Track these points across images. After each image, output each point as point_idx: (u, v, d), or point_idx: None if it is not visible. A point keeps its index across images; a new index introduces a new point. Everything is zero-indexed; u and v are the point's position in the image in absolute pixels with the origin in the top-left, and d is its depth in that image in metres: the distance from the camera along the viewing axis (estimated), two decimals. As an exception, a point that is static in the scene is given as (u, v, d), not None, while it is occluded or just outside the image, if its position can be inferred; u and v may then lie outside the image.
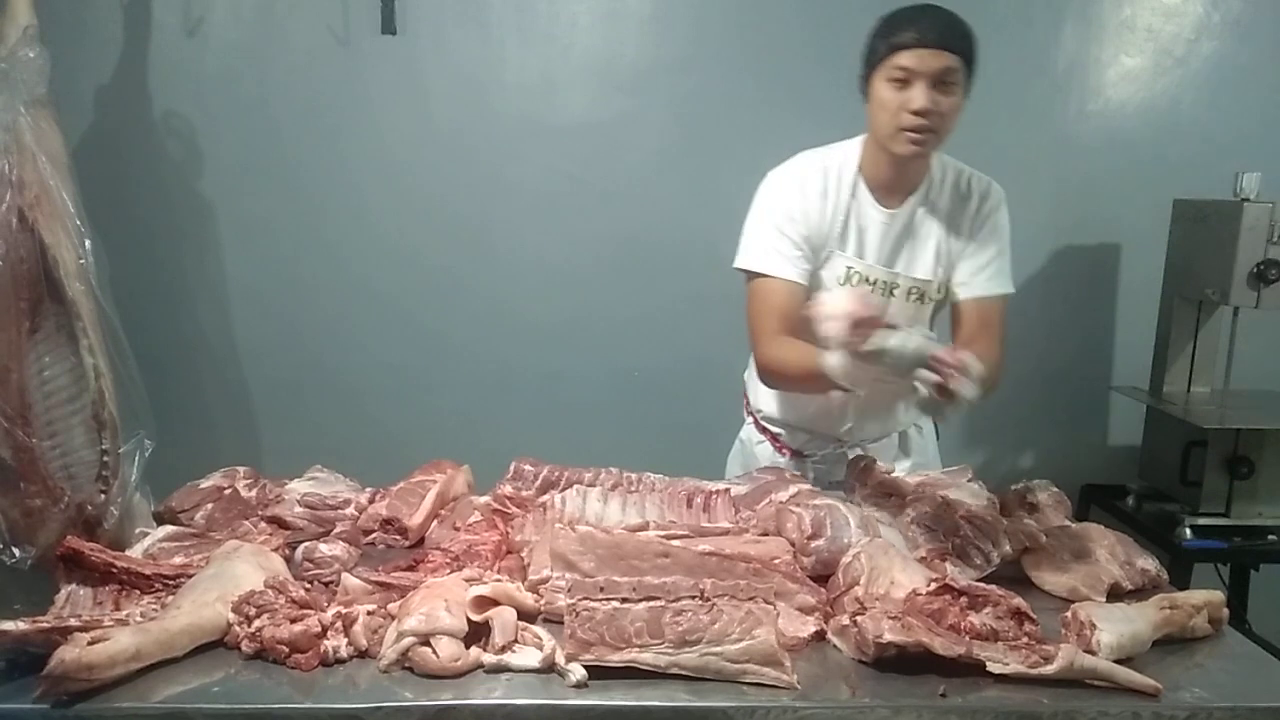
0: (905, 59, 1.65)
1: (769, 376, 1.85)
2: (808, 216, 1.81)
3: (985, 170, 1.91)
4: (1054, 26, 2.76)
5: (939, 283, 1.86)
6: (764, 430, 2.10)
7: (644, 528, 1.60)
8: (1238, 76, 2.75)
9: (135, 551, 1.54)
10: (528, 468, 1.81)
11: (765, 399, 2.07)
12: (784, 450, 2.06)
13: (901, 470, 1.92)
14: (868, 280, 1.84)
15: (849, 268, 1.84)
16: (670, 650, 1.22)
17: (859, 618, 1.29)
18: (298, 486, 1.79)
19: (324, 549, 1.52)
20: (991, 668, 1.23)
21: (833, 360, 1.47)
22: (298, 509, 1.72)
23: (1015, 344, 2.86)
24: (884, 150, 1.75)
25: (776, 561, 1.48)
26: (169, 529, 1.64)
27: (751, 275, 1.84)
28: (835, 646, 1.33)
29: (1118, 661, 1.26)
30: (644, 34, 2.74)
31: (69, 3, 2.62)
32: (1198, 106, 2.77)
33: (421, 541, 1.68)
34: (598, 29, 2.74)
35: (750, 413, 2.14)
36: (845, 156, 1.85)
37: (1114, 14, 2.75)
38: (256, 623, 1.27)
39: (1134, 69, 2.78)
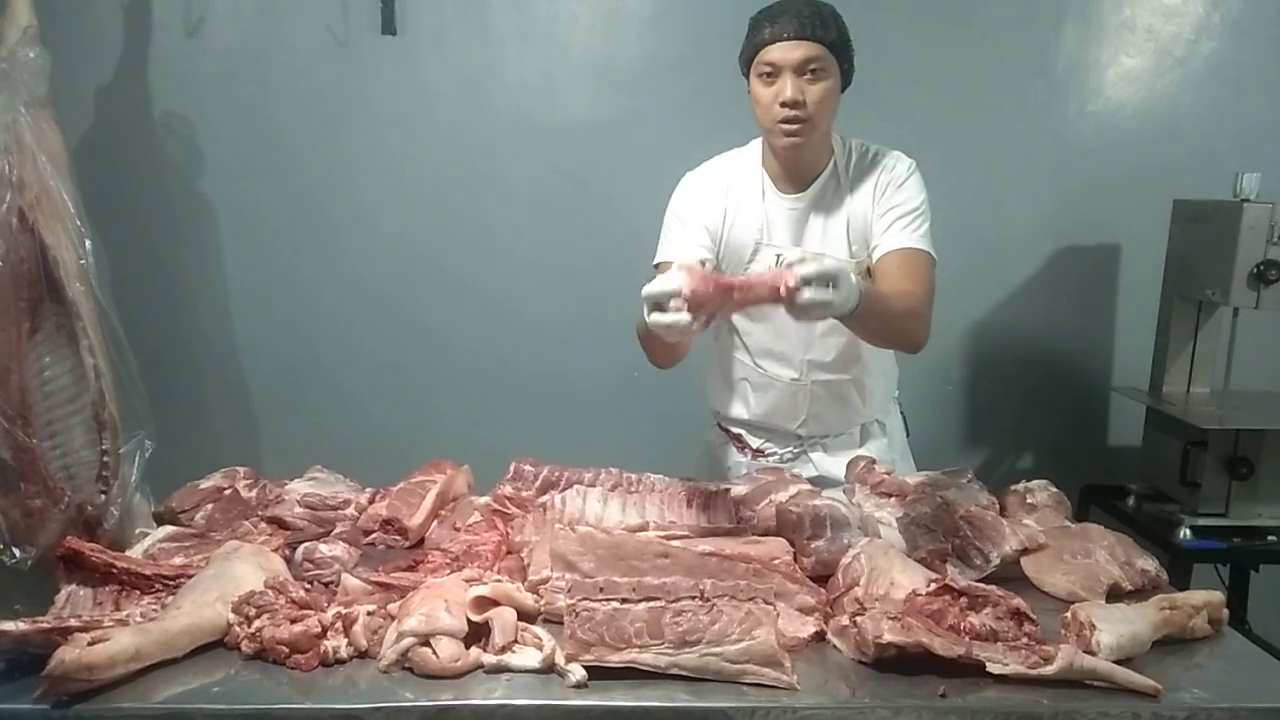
0: (769, 53, 1.73)
1: (646, 354, 1.84)
2: (715, 209, 1.88)
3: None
4: (1054, 26, 2.76)
5: (861, 263, 1.86)
6: (724, 430, 2.11)
7: (644, 528, 1.60)
8: (1238, 76, 2.75)
9: (135, 552, 1.54)
10: (528, 468, 1.81)
11: (722, 400, 2.09)
12: (745, 450, 2.07)
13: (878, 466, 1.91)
14: (789, 265, 1.85)
15: (778, 255, 1.87)
16: (670, 651, 1.22)
17: (858, 618, 1.29)
18: (298, 487, 1.79)
19: (324, 549, 1.52)
20: (991, 668, 1.23)
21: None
22: (298, 509, 1.72)
23: (1015, 344, 2.90)
24: (770, 144, 1.84)
25: (776, 562, 1.48)
26: (169, 529, 1.64)
27: (656, 268, 1.90)
28: (835, 647, 1.33)
29: (1118, 662, 1.26)
30: (644, 34, 2.74)
31: (69, 3, 2.62)
32: (1198, 106, 2.77)
33: (421, 542, 1.68)
34: (597, 29, 2.74)
35: (711, 414, 2.15)
36: (751, 154, 1.93)
37: (1114, 14, 2.75)
38: (256, 623, 1.27)
39: (1134, 69, 2.78)
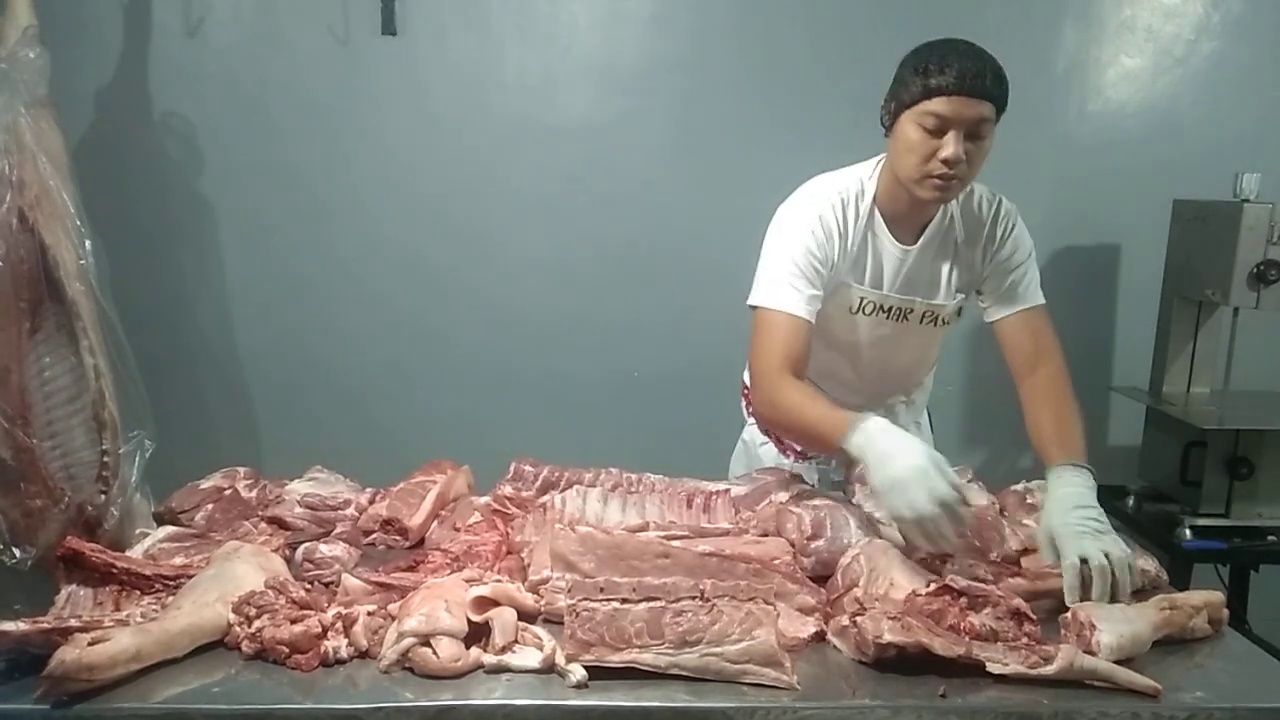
0: (940, 105, 1.58)
1: (767, 419, 1.81)
2: (827, 254, 1.73)
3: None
4: (1054, 26, 2.76)
5: (955, 306, 1.85)
6: (767, 432, 2.10)
7: (644, 528, 1.60)
8: (1238, 76, 2.76)
9: (135, 552, 1.54)
10: (528, 468, 1.81)
11: None
12: (788, 452, 2.06)
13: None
14: (882, 309, 1.81)
15: (862, 298, 1.80)
16: (670, 651, 1.22)
17: (859, 618, 1.29)
18: (298, 487, 1.79)
19: (324, 549, 1.52)
20: (991, 668, 1.23)
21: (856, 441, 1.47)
22: (298, 509, 1.71)
23: (1015, 344, 2.89)
24: (905, 190, 1.69)
25: (776, 562, 1.48)
26: (169, 529, 1.63)
27: (758, 310, 1.75)
28: (835, 647, 1.32)
29: (1118, 662, 1.27)
30: (644, 35, 2.74)
31: (69, 3, 2.62)
32: (1198, 106, 2.77)
33: (422, 542, 1.68)
34: (598, 30, 2.74)
35: (749, 414, 2.14)
36: (860, 187, 1.77)
37: (1114, 14, 2.75)
38: (257, 623, 1.27)
39: (1134, 69, 2.78)
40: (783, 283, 1.71)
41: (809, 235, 1.72)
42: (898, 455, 1.41)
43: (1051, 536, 1.46)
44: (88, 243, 1.87)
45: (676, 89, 2.74)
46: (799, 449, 2.05)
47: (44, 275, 1.79)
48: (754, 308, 1.75)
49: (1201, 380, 2.58)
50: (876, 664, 1.26)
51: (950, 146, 1.58)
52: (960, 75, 1.56)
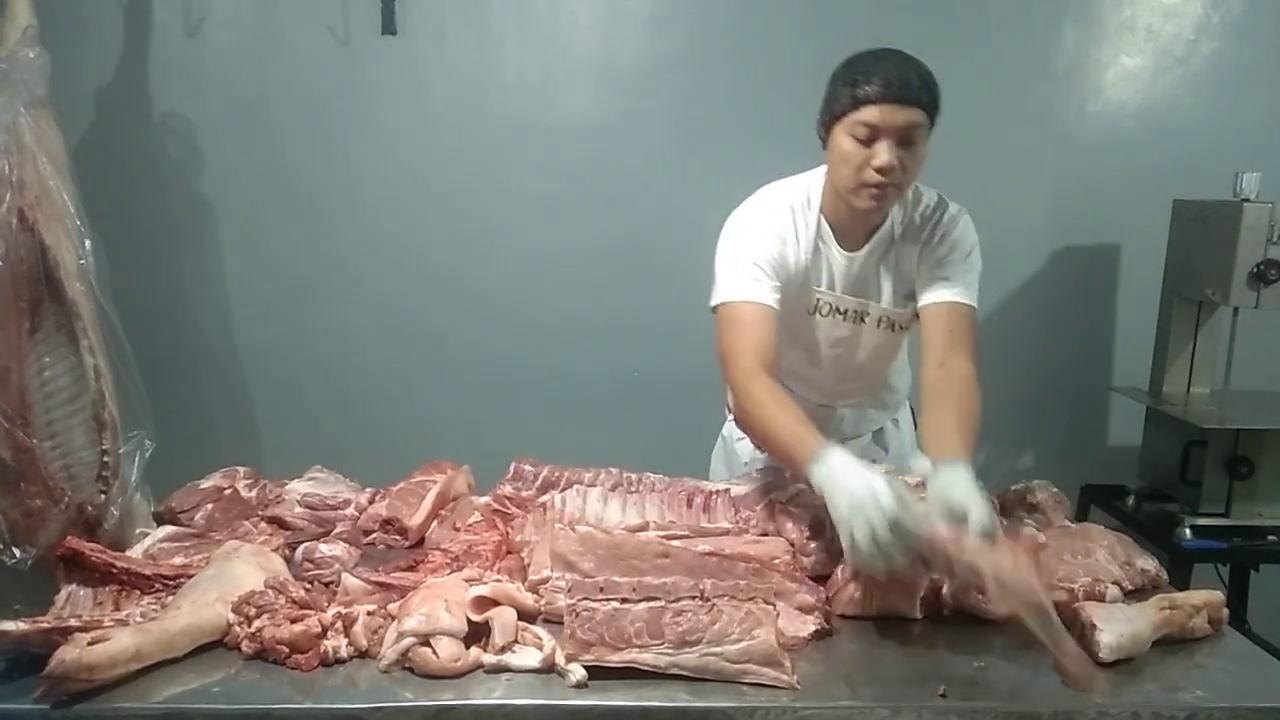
0: (870, 114, 1.58)
1: (741, 424, 1.80)
2: (782, 254, 1.75)
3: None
4: (1054, 26, 2.76)
5: (909, 313, 1.84)
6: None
7: (644, 528, 1.60)
8: (1238, 76, 2.75)
9: (135, 552, 1.54)
10: (528, 468, 1.81)
11: None
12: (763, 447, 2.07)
13: (881, 467, 1.92)
14: (839, 310, 1.83)
15: (817, 299, 1.82)
16: (670, 650, 1.22)
17: None
18: (298, 487, 1.79)
19: (324, 549, 1.52)
20: None
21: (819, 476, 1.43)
22: (298, 509, 1.71)
23: (1016, 344, 2.90)
24: (843, 200, 1.71)
25: (776, 561, 1.48)
26: (169, 529, 1.63)
27: (721, 306, 1.74)
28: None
29: (1118, 662, 1.27)
30: (644, 35, 2.74)
31: (69, 3, 2.62)
32: (1198, 106, 2.77)
33: (421, 542, 1.68)
34: (598, 30, 2.74)
35: (730, 410, 2.15)
36: (806, 196, 1.79)
37: (1114, 14, 2.75)
38: (256, 623, 1.27)
39: (1134, 69, 2.78)
40: (745, 278, 1.72)
41: (764, 238, 1.74)
42: (840, 491, 1.38)
43: (947, 501, 1.40)
44: (88, 243, 1.87)
45: (676, 89, 2.74)
46: None
47: (44, 275, 1.79)
48: (717, 308, 1.75)
49: (1201, 380, 2.58)
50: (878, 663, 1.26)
51: (883, 155, 1.59)
52: (887, 83, 1.57)
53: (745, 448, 2.09)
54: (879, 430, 2.08)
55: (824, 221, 1.78)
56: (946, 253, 1.78)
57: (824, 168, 1.77)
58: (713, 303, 1.76)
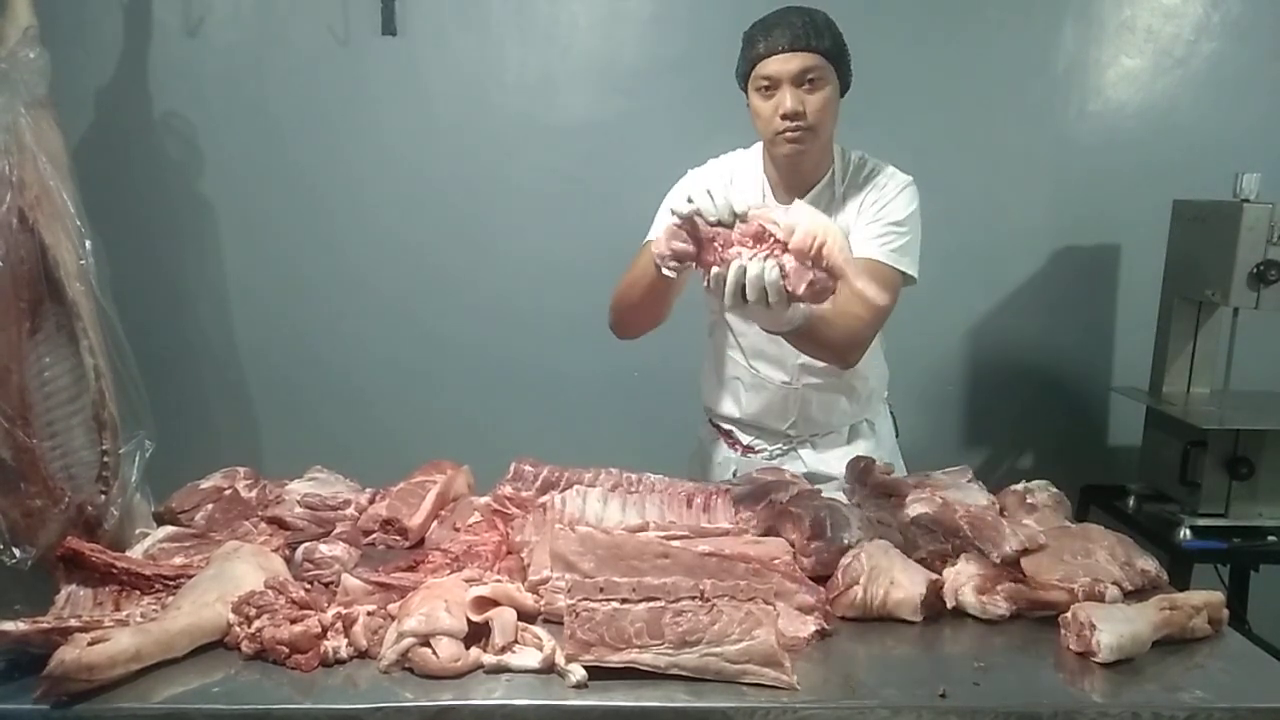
0: (766, 67, 1.73)
1: (615, 311, 1.88)
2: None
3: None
4: (1054, 26, 2.76)
5: None
6: (716, 428, 2.13)
7: (644, 528, 1.60)
8: (1238, 77, 2.76)
9: (135, 552, 1.54)
10: (528, 468, 1.81)
11: (715, 397, 2.10)
12: (735, 446, 2.08)
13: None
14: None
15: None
16: (670, 651, 1.22)
17: None
18: (298, 487, 1.79)
19: (324, 549, 1.52)
20: None
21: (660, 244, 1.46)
22: (298, 509, 1.72)
23: (1015, 344, 2.90)
24: (771, 153, 1.83)
25: (776, 561, 1.48)
26: (169, 529, 1.64)
27: (644, 245, 1.86)
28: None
29: (1118, 662, 1.27)
30: (644, 35, 2.74)
31: (69, 3, 2.62)
32: (1198, 106, 2.78)
33: (421, 542, 1.68)
34: (598, 30, 2.74)
35: (705, 411, 2.16)
36: (752, 159, 1.92)
37: (1114, 14, 2.75)
38: (256, 623, 1.27)
39: (1134, 69, 2.78)
40: (663, 221, 1.83)
41: (705, 184, 1.75)
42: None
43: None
44: (88, 243, 1.87)
45: (676, 89, 2.74)
46: (744, 443, 2.08)
47: (44, 275, 1.78)
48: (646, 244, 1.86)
49: (1201, 380, 2.58)
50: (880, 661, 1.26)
51: (786, 101, 1.72)
52: (774, 36, 1.72)
53: (720, 448, 2.11)
54: (854, 426, 2.07)
55: (765, 179, 1.90)
56: (880, 211, 1.83)
57: None
58: (646, 240, 1.89)
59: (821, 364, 1.93)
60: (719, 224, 1.38)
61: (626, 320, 1.88)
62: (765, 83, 1.74)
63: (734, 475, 2.00)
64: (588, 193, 2.80)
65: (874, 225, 1.82)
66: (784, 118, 1.72)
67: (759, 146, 1.92)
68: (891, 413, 2.18)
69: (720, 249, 1.39)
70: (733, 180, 1.90)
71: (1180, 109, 2.78)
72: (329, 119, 2.76)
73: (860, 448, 2.03)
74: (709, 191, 1.39)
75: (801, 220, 1.33)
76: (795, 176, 1.86)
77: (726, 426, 2.11)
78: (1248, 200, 2.33)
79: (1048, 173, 2.82)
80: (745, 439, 2.08)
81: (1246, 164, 2.37)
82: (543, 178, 2.80)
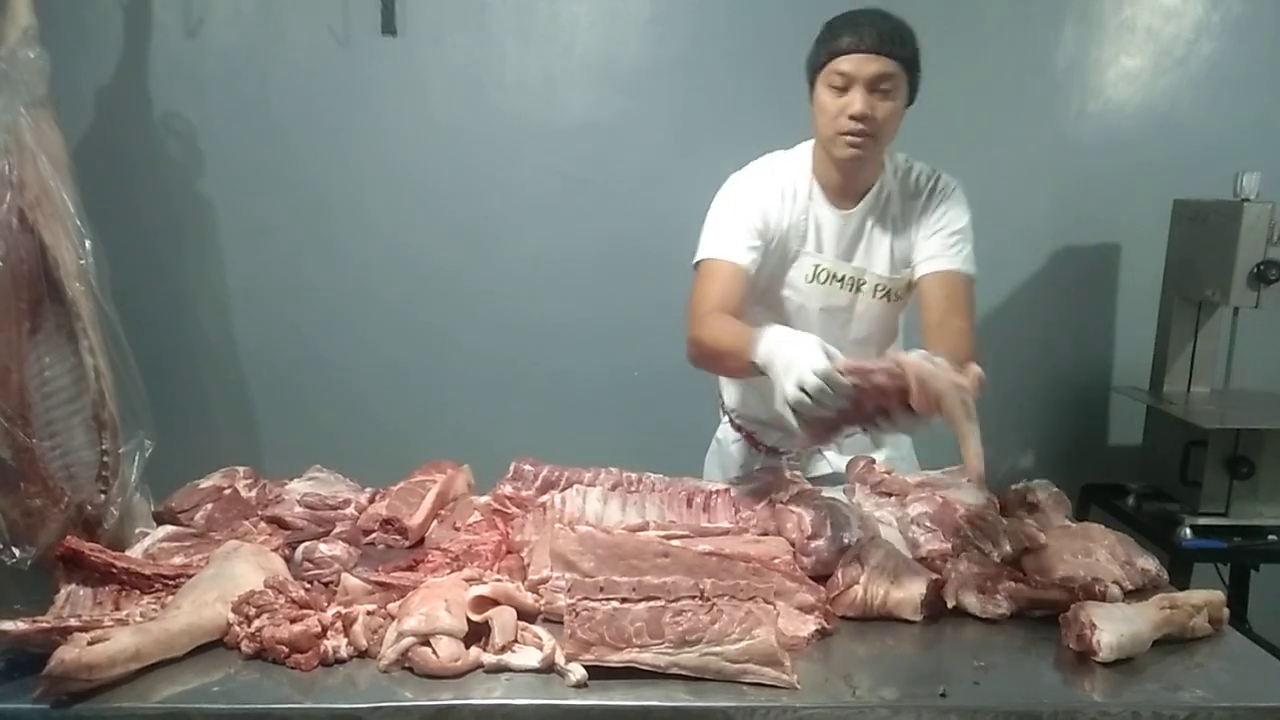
0: (843, 64, 1.69)
1: (695, 356, 1.84)
2: (765, 212, 1.82)
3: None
4: (1054, 26, 2.76)
5: (904, 280, 1.87)
6: (739, 428, 2.11)
7: (644, 528, 1.60)
8: (1238, 76, 2.76)
9: (135, 551, 1.54)
10: (528, 468, 1.81)
11: (738, 397, 2.09)
12: (759, 448, 2.07)
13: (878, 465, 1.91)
14: (835, 276, 1.86)
15: (816, 265, 1.86)
16: (670, 650, 1.22)
17: None
18: (298, 486, 1.79)
19: (324, 549, 1.52)
20: None
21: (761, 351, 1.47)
22: (298, 509, 1.71)
23: (1016, 344, 2.90)
24: (828, 155, 1.78)
25: (776, 561, 1.48)
26: (169, 529, 1.63)
27: (699, 263, 1.83)
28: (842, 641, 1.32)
29: (1118, 662, 1.27)
30: (644, 35, 2.74)
31: (69, 3, 2.62)
32: (1198, 106, 2.78)
33: (421, 541, 1.68)
34: (598, 30, 2.74)
35: (725, 411, 2.15)
36: (802, 159, 1.87)
37: (1114, 14, 2.75)
38: (256, 623, 1.27)
39: (1134, 69, 2.78)
40: (724, 237, 1.80)
41: (751, 198, 1.82)
42: (777, 354, 1.44)
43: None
44: (88, 243, 1.87)
45: (676, 89, 2.75)
46: (769, 445, 2.06)
47: (44, 275, 1.78)
48: (697, 265, 1.83)
49: (1201, 380, 2.58)
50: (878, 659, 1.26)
51: (856, 103, 1.68)
52: (859, 35, 1.68)
53: (741, 449, 2.10)
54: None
55: (815, 181, 1.85)
56: (942, 218, 1.83)
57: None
58: (696, 258, 1.84)
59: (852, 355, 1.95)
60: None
61: (711, 370, 1.89)
62: (839, 79, 1.69)
63: None
64: (588, 192, 2.80)
65: (941, 235, 1.82)
66: (851, 118, 1.69)
67: (803, 148, 1.88)
68: None
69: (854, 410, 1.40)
70: (781, 184, 1.84)
71: (1180, 109, 2.78)
72: (329, 119, 2.76)
73: (884, 449, 2.03)
74: (823, 389, 1.36)
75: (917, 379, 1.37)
76: (850, 182, 1.83)
77: (749, 427, 2.09)
78: (1248, 200, 2.33)
79: (1048, 173, 2.82)
80: (770, 440, 2.07)
81: (1246, 164, 2.37)
82: (543, 177, 2.80)
